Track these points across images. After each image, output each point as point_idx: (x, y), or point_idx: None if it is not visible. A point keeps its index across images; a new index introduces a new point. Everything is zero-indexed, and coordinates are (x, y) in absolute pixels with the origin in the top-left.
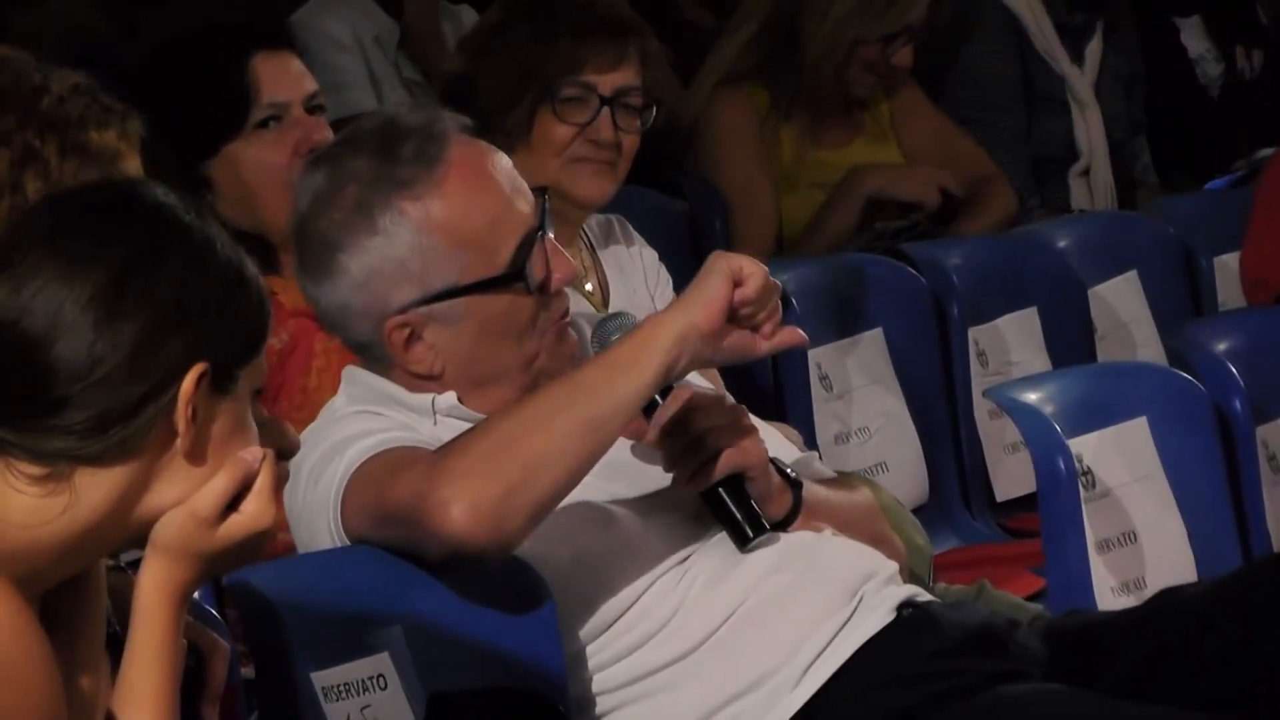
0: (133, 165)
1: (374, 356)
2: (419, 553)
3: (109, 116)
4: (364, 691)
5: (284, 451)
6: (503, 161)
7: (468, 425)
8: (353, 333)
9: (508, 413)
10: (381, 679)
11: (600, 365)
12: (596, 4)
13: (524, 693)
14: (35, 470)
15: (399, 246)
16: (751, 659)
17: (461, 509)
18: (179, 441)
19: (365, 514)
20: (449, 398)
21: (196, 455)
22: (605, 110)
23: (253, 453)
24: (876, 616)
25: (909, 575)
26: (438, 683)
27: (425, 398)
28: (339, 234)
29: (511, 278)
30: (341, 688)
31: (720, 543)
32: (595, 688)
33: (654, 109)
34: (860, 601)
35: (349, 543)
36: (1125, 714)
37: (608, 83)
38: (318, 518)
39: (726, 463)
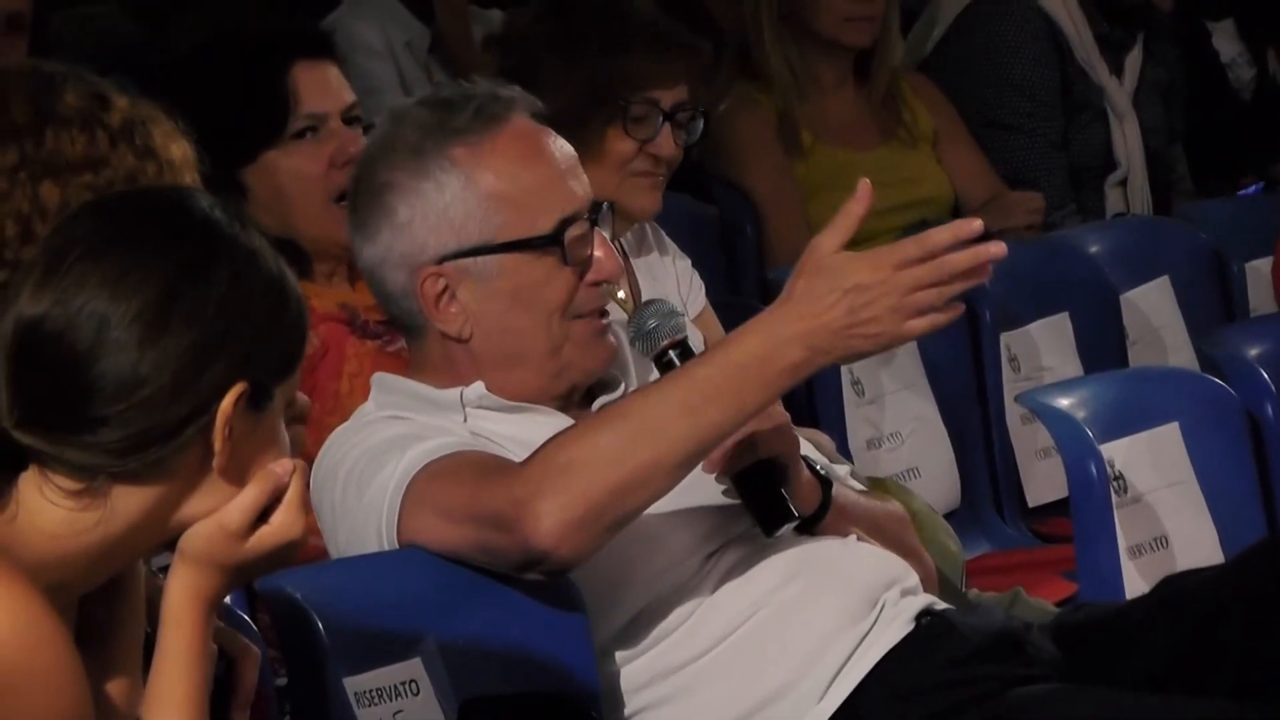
0: (194, 161)
1: (405, 313)
2: (488, 558)
3: (165, 119)
4: (396, 697)
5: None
6: (566, 145)
7: (498, 415)
8: (388, 282)
9: (620, 418)
10: (414, 684)
11: (722, 379)
12: (660, 19)
13: (556, 699)
14: (71, 485)
15: (445, 194)
16: (772, 667)
17: (554, 522)
18: (215, 460)
19: (436, 514)
20: (476, 388)
21: (231, 471)
22: (666, 126)
23: (283, 465)
24: (896, 626)
25: (941, 582)
26: (470, 689)
27: (453, 392)
28: (391, 175)
29: (548, 242)
30: (374, 693)
31: (744, 542)
32: (621, 684)
33: (701, 123)
34: (881, 611)
35: (398, 545)
36: (1145, 707)
37: (668, 98)
38: (365, 521)
39: (758, 447)
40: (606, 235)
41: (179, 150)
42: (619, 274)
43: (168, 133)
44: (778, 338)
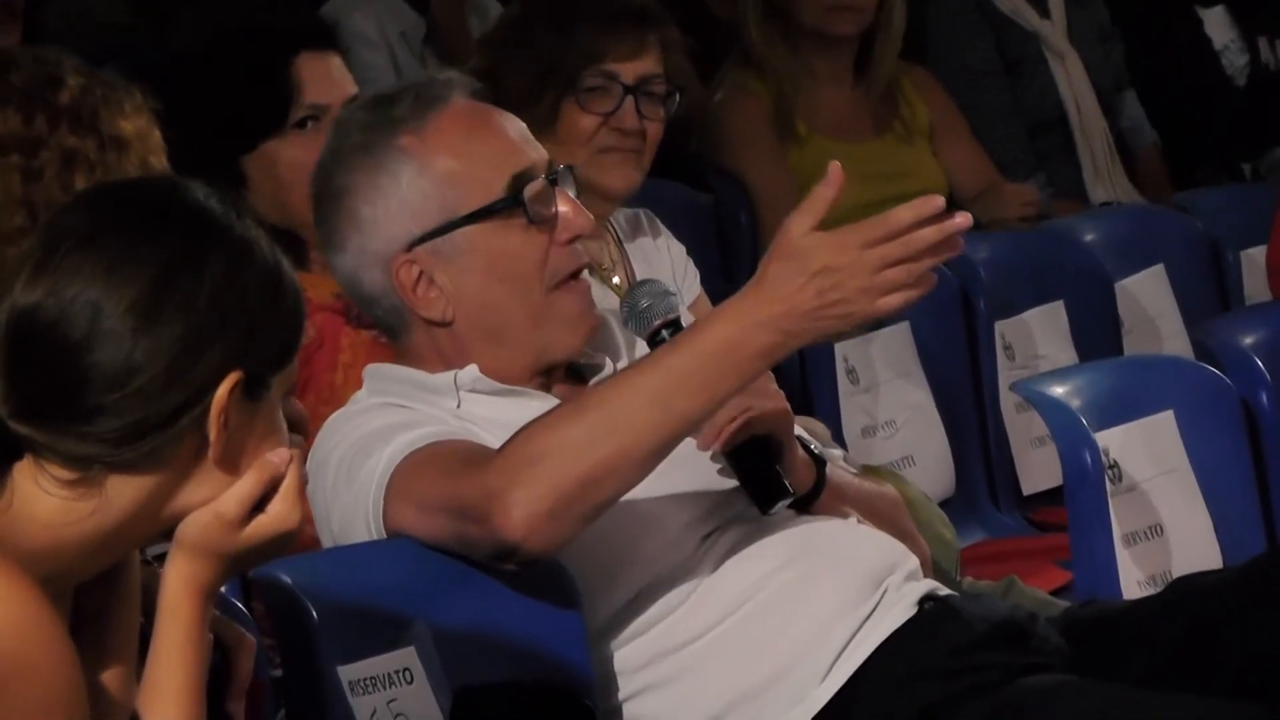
0: (157, 138)
1: (387, 312)
2: (464, 548)
3: (125, 97)
4: (390, 685)
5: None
6: (514, 118)
7: (489, 398)
8: (365, 284)
9: (590, 408)
10: (408, 673)
11: (693, 366)
12: None
13: (549, 687)
14: (66, 475)
15: (401, 183)
16: (773, 649)
17: (523, 513)
18: (210, 449)
19: (415, 506)
20: (470, 371)
21: (227, 462)
22: (629, 99)
23: (280, 455)
24: (899, 610)
25: (936, 571)
26: (464, 677)
27: (447, 376)
28: (346, 178)
29: (508, 205)
30: (368, 681)
31: (743, 522)
32: (621, 665)
33: (677, 96)
34: (884, 594)
35: (385, 534)
36: (1151, 705)
37: (630, 71)
38: (354, 510)
39: (754, 424)
40: (571, 194)
41: (131, 127)
42: (589, 228)
43: (124, 111)
44: (748, 323)
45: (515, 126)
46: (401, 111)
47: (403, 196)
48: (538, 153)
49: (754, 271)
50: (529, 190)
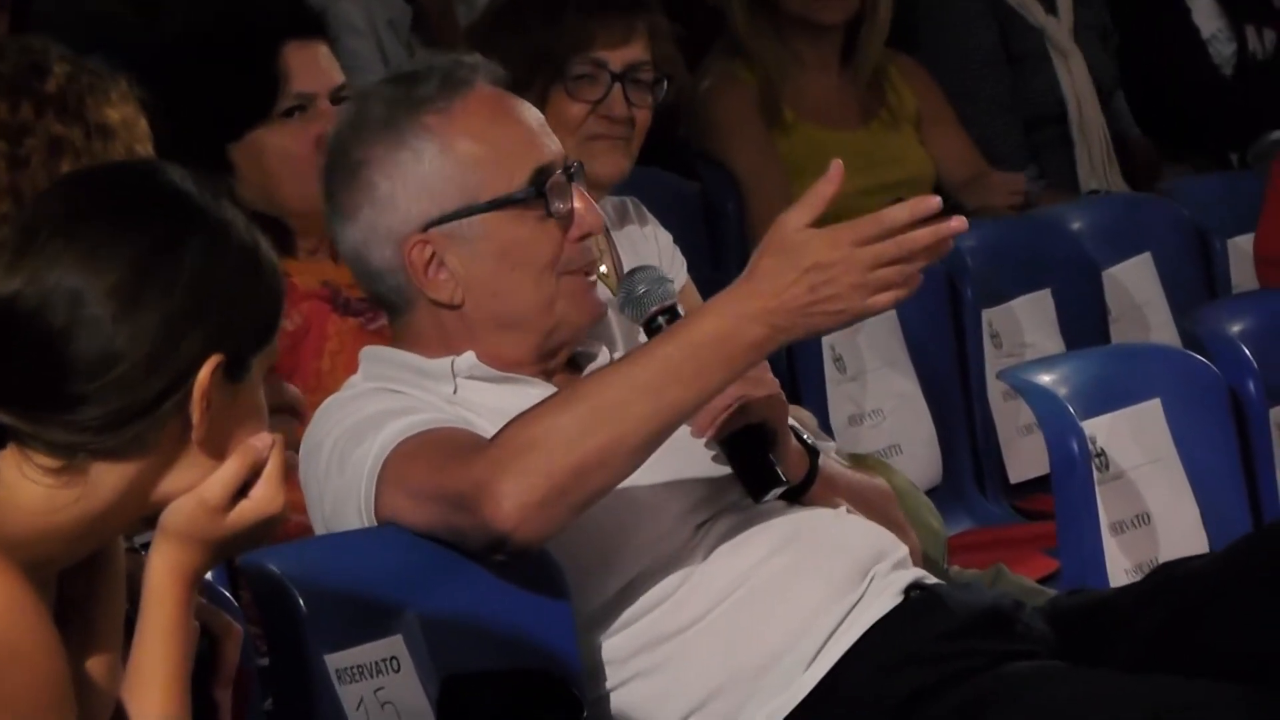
0: (143, 126)
1: (391, 290)
2: (455, 538)
3: (111, 85)
4: (377, 674)
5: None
6: (532, 107)
7: (486, 385)
8: (373, 259)
9: (581, 398)
10: (395, 661)
11: (684, 357)
12: None
13: (537, 676)
14: (51, 463)
15: (423, 161)
16: (760, 637)
17: (514, 504)
18: (193, 432)
19: (406, 494)
20: (468, 358)
21: (210, 445)
22: (617, 86)
23: (262, 439)
24: (886, 598)
25: (923, 559)
26: (451, 665)
27: (444, 361)
28: (367, 151)
29: (530, 197)
30: (355, 670)
31: (735, 511)
32: (611, 653)
33: (665, 83)
34: (870, 583)
35: (376, 522)
36: (1133, 688)
37: (618, 59)
38: (346, 497)
39: (748, 411)
40: (584, 190)
41: (117, 115)
42: (601, 226)
43: (110, 99)
44: (739, 315)
45: (534, 116)
46: (427, 91)
47: (423, 175)
48: (556, 145)
49: (741, 260)
50: (550, 183)
